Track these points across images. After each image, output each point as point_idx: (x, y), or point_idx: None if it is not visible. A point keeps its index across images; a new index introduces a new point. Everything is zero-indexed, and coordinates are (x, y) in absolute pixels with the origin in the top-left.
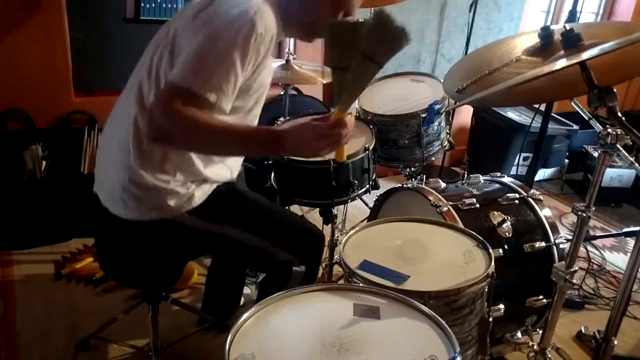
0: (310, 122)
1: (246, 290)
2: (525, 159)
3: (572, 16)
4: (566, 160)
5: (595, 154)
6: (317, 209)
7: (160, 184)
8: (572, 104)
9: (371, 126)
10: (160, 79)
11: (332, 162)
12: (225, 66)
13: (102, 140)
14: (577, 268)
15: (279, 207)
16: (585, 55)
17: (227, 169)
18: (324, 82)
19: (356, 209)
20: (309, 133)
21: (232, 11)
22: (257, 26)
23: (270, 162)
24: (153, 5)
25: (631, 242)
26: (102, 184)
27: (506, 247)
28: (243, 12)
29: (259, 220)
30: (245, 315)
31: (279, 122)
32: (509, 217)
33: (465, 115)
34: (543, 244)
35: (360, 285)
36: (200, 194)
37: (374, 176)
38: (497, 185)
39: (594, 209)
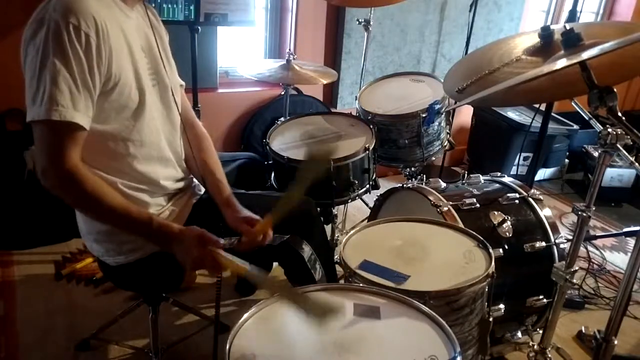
0: (200, 244)
1: None
2: (525, 158)
3: (572, 16)
4: (566, 160)
5: (596, 154)
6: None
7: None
8: (572, 103)
9: (371, 126)
10: None
11: (331, 162)
12: (49, 77)
13: None
14: (577, 268)
15: (257, 195)
16: (586, 55)
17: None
18: (324, 82)
19: (356, 209)
20: (194, 250)
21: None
22: (61, 21)
23: (270, 162)
24: (153, 5)
25: (631, 242)
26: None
27: (506, 247)
28: (40, 13)
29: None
30: (245, 315)
31: (278, 122)
32: (509, 217)
33: (465, 115)
34: (543, 243)
35: (360, 285)
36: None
37: (374, 176)
38: (498, 185)
39: (594, 208)
